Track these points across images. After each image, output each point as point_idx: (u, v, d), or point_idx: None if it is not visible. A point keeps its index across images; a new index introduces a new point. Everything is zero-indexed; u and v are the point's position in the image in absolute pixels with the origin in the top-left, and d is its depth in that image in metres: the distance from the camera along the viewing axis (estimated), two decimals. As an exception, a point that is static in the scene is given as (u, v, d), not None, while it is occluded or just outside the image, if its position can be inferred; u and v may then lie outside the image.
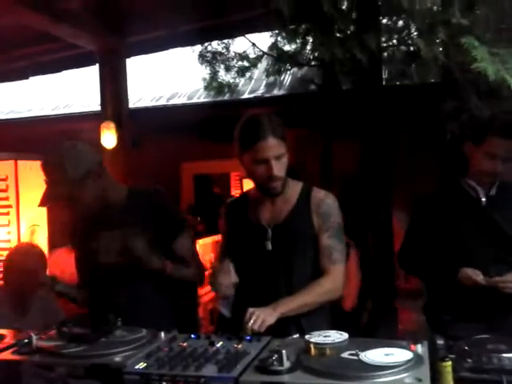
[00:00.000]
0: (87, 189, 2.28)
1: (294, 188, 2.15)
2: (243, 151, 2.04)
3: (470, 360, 1.50)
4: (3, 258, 4.58)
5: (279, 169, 2.02)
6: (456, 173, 2.46)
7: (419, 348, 1.59)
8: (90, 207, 2.34)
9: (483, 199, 2.35)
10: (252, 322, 1.82)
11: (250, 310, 1.87)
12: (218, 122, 5.82)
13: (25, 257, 3.02)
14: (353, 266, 4.71)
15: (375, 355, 1.52)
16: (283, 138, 2.03)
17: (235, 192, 7.98)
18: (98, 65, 5.73)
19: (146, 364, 1.63)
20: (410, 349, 1.58)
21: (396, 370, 1.45)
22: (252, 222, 2.15)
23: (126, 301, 2.32)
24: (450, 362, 1.40)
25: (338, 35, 3.02)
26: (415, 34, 3.47)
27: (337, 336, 1.65)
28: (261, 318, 1.84)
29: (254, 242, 2.14)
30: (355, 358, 1.53)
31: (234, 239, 2.22)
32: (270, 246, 2.10)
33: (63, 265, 4.45)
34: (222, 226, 2.30)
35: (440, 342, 1.67)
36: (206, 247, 4.79)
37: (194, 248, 2.53)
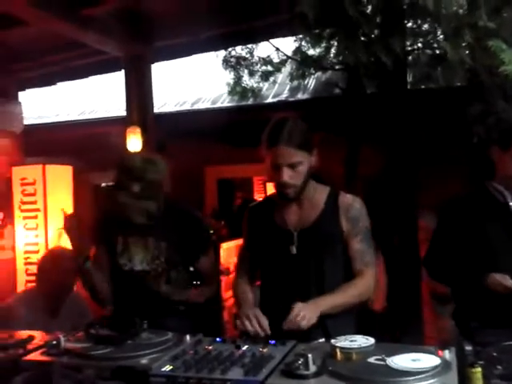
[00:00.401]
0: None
1: (321, 192, 2.16)
2: (265, 154, 2.07)
3: (499, 367, 1.48)
4: (32, 261, 4.72)
5: (291, 176, 2.03)
6: (483, 177, 2.43)
7: (447, 354, 1.58)
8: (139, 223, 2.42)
9: (511, 204, 2.31)
10: (299, 318, 1.83)
11: (299, 305, 1.88)
12: (241, 127, 5.85)
13: (58, 261, 3.08)
14: (379, 270, 4.69)
15: (402, 360, 1.51)
16: (303, 147, 2.03)
17: (258, 196, 7.99)
18: (123, 70, 5.80)
19: (172, 366, 1.65)
20: (437, 354, 1.57)
21: (423, 375, 1.44)
22: (277, 226, 2.16)
23: (145, 309, 2.35)
24: (479, 368, 1.38)
25: (362, 39, 3.00)
26: (441, 37, 3.44)
27: (363, 341, 1.65)
28: (304, 312, 1.85)
29: (278, 246, 2.14)
30: (382, 363, 1.53)
31: (258, 242, 2.23)
32: (294, 250, 2.11)
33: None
34: (244, 229, 2.31)
35: (468, 348, 1.65)
36: (229, 251, 4.80)
37: (215, 266, 2.62)
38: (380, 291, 4.71)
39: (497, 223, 2.29)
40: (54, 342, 1.89)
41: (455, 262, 2.38)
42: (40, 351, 1.88)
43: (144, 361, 1.72)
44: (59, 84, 6.91)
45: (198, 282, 2.64)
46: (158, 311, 2.38)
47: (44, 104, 8.14)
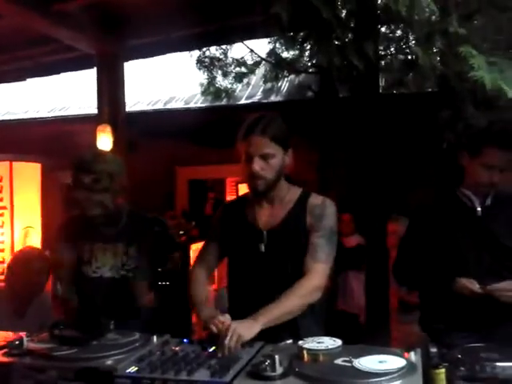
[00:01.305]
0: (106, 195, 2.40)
1: (293, 193, 2.16)
2: (239, 147, 2.07)
3: (463, 368, 1.50)
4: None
5: (262, 167, 2.02)
6: (453, 182, 2.46)
7: (412, 356, 1.59)
8: (93, 215, 2.42)
9: (478, 209, 2.34)
10: (228, 338, 1.73)
11: (226, 323, 1.81)
12: (214, 128, 5.83)
13: (30, 262, 3.02)
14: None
15: (369, 362, 1.52)
16: (277, 140, 2.03)
17: (230, 197, 7.98)
18: (95, 68, 5.72)
19: (137, 368, 1.62)
20: (403, 356, 1.58)
21: (389, 377, 1.45)
22: (248, 223, 2.16)
23: (113, 313, 2.33)
24: (443, 370, 1.39)
25: (336, 42, 3.02)
26: (413, 42, 3.48)
27: (330, 342, 1.65)
28: (237, 333, 1.75)
29: (248, 244, 2.14)
30: (348, 364, 1.53)
31: (229, 240, 2.22)
32: (263, 248, 2.10)
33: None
34: (215, 224, 2.28)
35: (433, 349, 1.67)
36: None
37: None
38: (351, 293, 4.76)
39: (465, 228, 2.33)
40: (17, 343, 1.84)
41: (424, 266, 2.40)
42: (2, 352, 1.84)
43: (109, 362, 1.69)
44: (29, 80, 6.79)
45: (167, 283, 2.64)
46: (125, 316, 2.37)
47: (13, 100, 7.99)
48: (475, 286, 2.18)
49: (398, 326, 4.40)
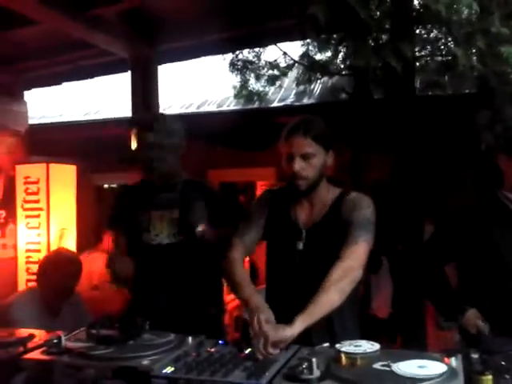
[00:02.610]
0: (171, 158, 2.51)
1: (333, 192, 2.16)
2: (281, 148, 2.09)
3: (507, 376, 1.45)
4: (33, 260, 4.70)
5: (304, 168, 2.04)
6: (492, 185, 2.40)
7: (453, 361, 1.56)
8: (156, 172, 2.50)
9: None
10: (261, 345, 1.69)
11: (256, 329, 1.75)
12: (246, 131, 5.83)
13: (61, 263, 3.07)
14: (383, 275, 4.68)
15: (408, 367, 1.49)
16: (318, 140, 2.05)
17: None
18: (129, 71, 5.79)
19: (173, 368, 1.63)
20: (443, 361, 1.54)
21: (429, 382, 1.42)
22: (290, 221, 2.16)
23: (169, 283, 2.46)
24: (490, 376, 1.35)
25: (372, 44, 2.99)
26: (450, 43, 3.42)
27: (368, 346, 1.62)
28: (269, 338, 1.69)
29: (287, 241, 2.14)
30: (387, 369, 1.50)
31: (270, 231, 2.20)
32: (301, 246, 2.10)
33: (91, 275, 4.51)
34: (259, 208, 2.25)
35: (475, 356, 1.63)
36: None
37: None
38: (383, 298, 4.70)
39: (507, 231, 2.27)
40: (55, 341, 1.87)
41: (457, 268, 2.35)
42: (40, 350, 1.86)
43: (146, 362, 1.70)
44: (64, 84, 6.92)
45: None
46: (182, 286, 2.48)
47: (48, 104, 8.15)
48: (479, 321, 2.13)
49: (437, 333, 4.30)
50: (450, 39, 3.49)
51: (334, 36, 3.80)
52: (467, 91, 4.02)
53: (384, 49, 2.81)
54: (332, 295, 1.88)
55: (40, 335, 2.06)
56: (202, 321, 2.48)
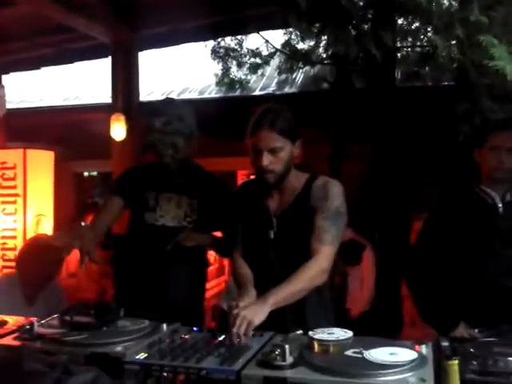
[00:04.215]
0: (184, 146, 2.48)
1: (301, 179, 2.15)
2: (248, 141, 2.07)
3: (475, 362, 1.47)
4: (9, 246, 4.65)
5: (271, 161, 2.03)
6: (469, 178, 2.42)
7: (424, 349, 1.58)
8: (167, 156, 2.48)
9: (500, 205, 2.30)
10: (237, 326, 1.71)
11: (234, 311, 1.76)
12: (227, 119, 5.80)
13: (41, 251, 3.03)
14: (367, 267, 4.69)
15: (379, 354, 1.51)
16: (285, 133, 2.03)
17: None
18: (110, 57, 5.72)
19: (146, 354, 1.62)
20: (414, 349, 1.56)
21: (399, 369, 1.43)
22: (261, 210, 2.16)
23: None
24: (456, 361, 1.37)
25: (353, 32, 2.99)
26: (430, 33, 3.43)
27: (341, 333, 1.63)
28: (247, 319, 1.72)
29: (259, 230, 2.15)
30: (359, 356, 1.51)
31: (244, 223, 2.22)
32: (272, 235, 2.11)
33: (68, 263, 4.47)
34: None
35: (445, 343, 1.65)
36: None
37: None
38: (365, 292, 4.71)
39: (486, 225, 2.29)
40: (28, 327, 1.85)
41: (441, 264, 2.36)
42: (13, 336, 1.85)
43: (119, 348, 1.69)
44: (44, 69, 6.81)
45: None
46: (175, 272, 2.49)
47: (28, 88, 8.02)
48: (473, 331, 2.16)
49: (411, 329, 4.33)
50: (430, 30, 3.50)
51: (317, 25, 3.77)
52: (447, 83, 4.04)
53: (365, 36, 2.80)
54: (299, 283, 1.93)
55: (13, 321, 2.04)
56: (186, 309, 2.47)
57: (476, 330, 2.13)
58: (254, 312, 1.77)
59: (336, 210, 2.05)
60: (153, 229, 2.53)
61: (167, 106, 2.51)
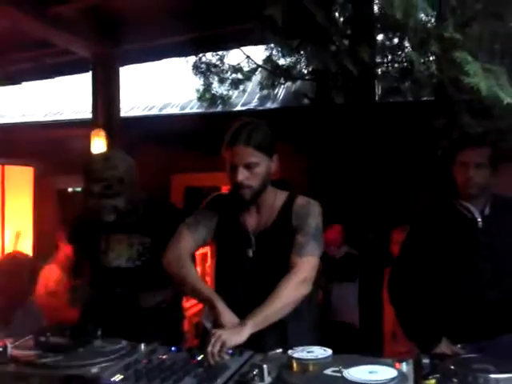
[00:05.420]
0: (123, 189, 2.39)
1: (280, 198, 2.13)
2: (224, 156, 2.05)
3: (455, 380, 1.46)
4: (-14, 264, 4.55)
5: (247, 177, 2.00)
6: (448, 193, 2.44)
7: (404, 366, 1.56)
8: (109, 220, 2.42)
9: (479, 220, 2.31)
10: (211, 344, 1.70)
11: (213, 331, 1.77)
12: (210, 134, 5.78)
13: (15, 267, 2.97)
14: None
15: (359, 372, 1.48)
16: (261, 148, 2.00)
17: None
18: (90, 72, 5.70)
19: (122, 376, 1.59)
20: (394, 367, 1.55)
21: (379, 388, 1.41)
22: (239, 228, 2.13)
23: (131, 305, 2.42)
24: (433, 381, 1.36)
25: (331, 49, 3.01)
26: (408, 49, 3.47)
27: (320, 352, 1.61)
28: (221, 340, 1.71)
29: (237, 248, 2.12)
30: (338, 374, 1.49)
31: (221, 242, 2.18)
32: (251, 254, 2.08)
33: (48, 281, 4.40)
34: (204, 210, 2.20)
35: (425, 360, 1.63)
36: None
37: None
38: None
39: (466, 239, 2.30)
40: (0, 349, 1.80)
41: (423, 278, 2.36)
42: (-16, 359, 1.79)
43: (94, 369, 1.65)
44: (25, 84, 6.76)
45: None
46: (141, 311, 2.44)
47: (8, 104, 7.95)
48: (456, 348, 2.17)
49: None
50: (407, 46, 3.54)
51: (296, 40, 3.80)
52: (426, 98, 4.08)
53: (342, 52, 2.82)
54: (281, 297, 1.90)
55: (-13, 343, 1.98)
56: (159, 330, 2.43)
57: (458, 346, 2.14)
58: (230, 333, 1.76)
59: (316, 227, 2.06)
60: (109, 271, 2.50)
61: (106, 168, 2.39)
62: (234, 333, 1.77)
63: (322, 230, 2.08)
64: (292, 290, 1.94)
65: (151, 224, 2.49)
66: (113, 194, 2.38)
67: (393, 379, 1.45)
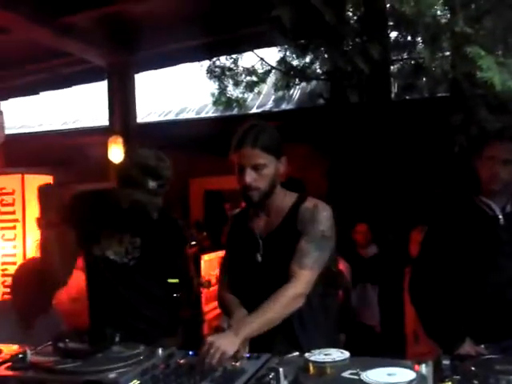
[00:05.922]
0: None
1: (289, 200, 2.10)
2: (232, 158, 2.03)
3: (476, 381, 1.43)
4: (9, 272, 4.61)
5: (255, 178, 1.98)
6: (469, 190, 2.39)
7: (423, 368, 1.52)
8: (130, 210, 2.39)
9: (500, 217, 2.26)
10: (210, 356, 1.67)
11: (209, 339, 1.73)
12: (226, 137, 5.80)
13: (33, 274, 2.99)
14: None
15: (377, 375, 1.46)
16: (268, 150, 1.99)
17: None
18: (106, 80, 5.75)
19: (139, 381, 1.58)
20: (413, 369, 1.52)
21: (398, 390, 1.39)
22: (247, 233, 2.12)
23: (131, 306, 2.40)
24: (450, 383, 1.33)
25: (343, 48, 2.98)
26: (421, 45, 3.43)
27: (337, 354, 1.59)
28: (220, 350, 1.69)
29: (246, 253, 2.10)
30: (356, 377, 1.47)
31: (233, 250, 2.19)
32: (259, 258, 2.06)
33: (70, 288, 4.42)
34: (225, 237, 2.26)
35: (446, 362, 1.60)
36: (211, 263, 4.74)
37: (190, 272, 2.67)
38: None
39: (487, 237, 2.25)
40: (20, 356, 1.81)
41: (444, 277, 2.32)
42: (5, 365, 1.81)
43: (112, 375, 1.65)
44: (42, 93, 6.85)
45: (178, 295, 2.60)
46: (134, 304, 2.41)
47: (27, 113, 8.06)
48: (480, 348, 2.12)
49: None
50: (420, 42, 3.49)
51: (308, 40, 3.79)
52: (443, 95, 4.02)
53: (352, 50, 2.78)
54: (273, 309, 1.90)
55: (7, 350, 2.00)
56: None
57: (482, 346, 2.09)
58: (227, 342, 1.74)
59: (321, 233, 2.00)
60: (99, 261, 2.48)
61: (164, 168, 2.37)
62: (229, 342, 1.74)
63: (330, 236, 2.03)
64: (283, 306, 1.91)
65: (143, 227, 2.47)
66: (161, 193, 2.37)
67: (411, 382, 1.42)
